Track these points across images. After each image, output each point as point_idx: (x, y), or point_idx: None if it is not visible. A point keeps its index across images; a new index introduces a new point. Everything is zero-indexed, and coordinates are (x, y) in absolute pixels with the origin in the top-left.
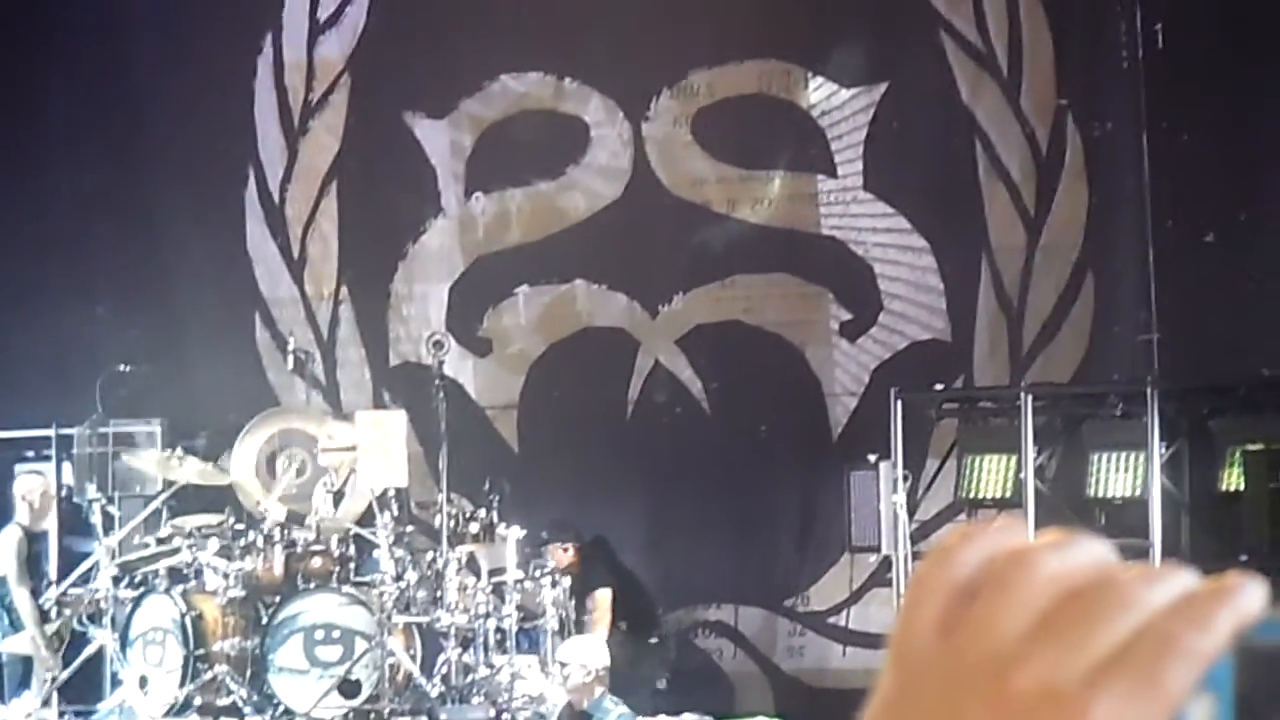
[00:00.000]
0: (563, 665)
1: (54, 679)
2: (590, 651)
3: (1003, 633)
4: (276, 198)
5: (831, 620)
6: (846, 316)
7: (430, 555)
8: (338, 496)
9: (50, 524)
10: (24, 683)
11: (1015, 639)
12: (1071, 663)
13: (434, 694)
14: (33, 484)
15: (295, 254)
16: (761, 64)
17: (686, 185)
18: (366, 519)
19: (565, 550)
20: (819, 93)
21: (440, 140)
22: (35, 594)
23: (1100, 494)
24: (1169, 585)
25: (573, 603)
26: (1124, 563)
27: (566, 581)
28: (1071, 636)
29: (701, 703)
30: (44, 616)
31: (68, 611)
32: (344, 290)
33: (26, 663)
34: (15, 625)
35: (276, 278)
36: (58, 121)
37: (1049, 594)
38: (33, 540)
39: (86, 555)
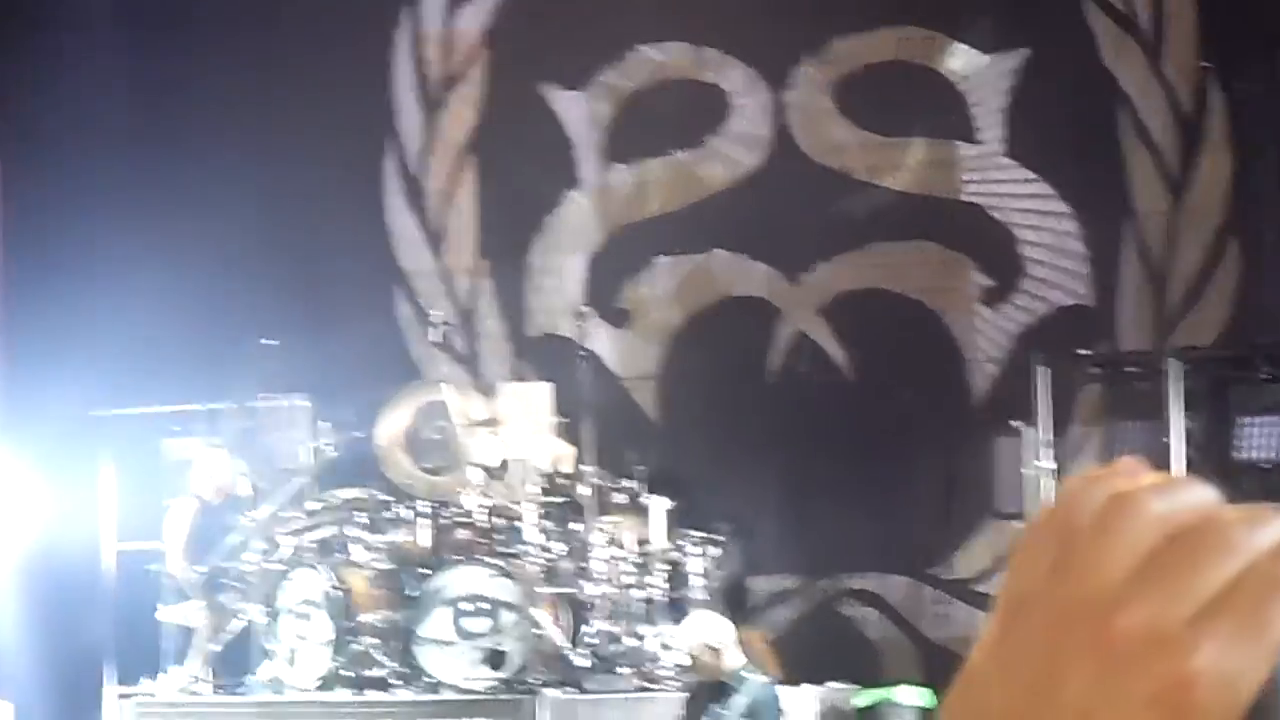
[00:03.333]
0: (696, 638)
1: (209, 652)
2: (712, 629)
3: (1107, 575)
4: (415, 171)
5: (977, 587)
6: (988, 283)
7: (576, 526)
8: (482, 469)
9: (223, 499)
10: (182, 657)
11: (1119, 582)
12: (1175, 605)
13: (581, 665)
14: (213, 457)
15: (434, 227)
16: (901, 30)
17: (827, 152)
18: (511, 491)
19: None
20: (959, 59)
21: (578, 111)
22: (197, 567)
23: (1248, 457)
24: (1274, 528)
25: (720, 573)
26: (1229, 505)
27: (713, 551)
28: (1176, 579)
29: (848, 671)
30: (206, 589)
31: (224, 586)
32: (483, 263)
33: (185, 634)
34: (177, 596)
35: (416, 251)
36: (202, 96)
37: (1154, 537)
38: (205, 513)
39: (236, 529)
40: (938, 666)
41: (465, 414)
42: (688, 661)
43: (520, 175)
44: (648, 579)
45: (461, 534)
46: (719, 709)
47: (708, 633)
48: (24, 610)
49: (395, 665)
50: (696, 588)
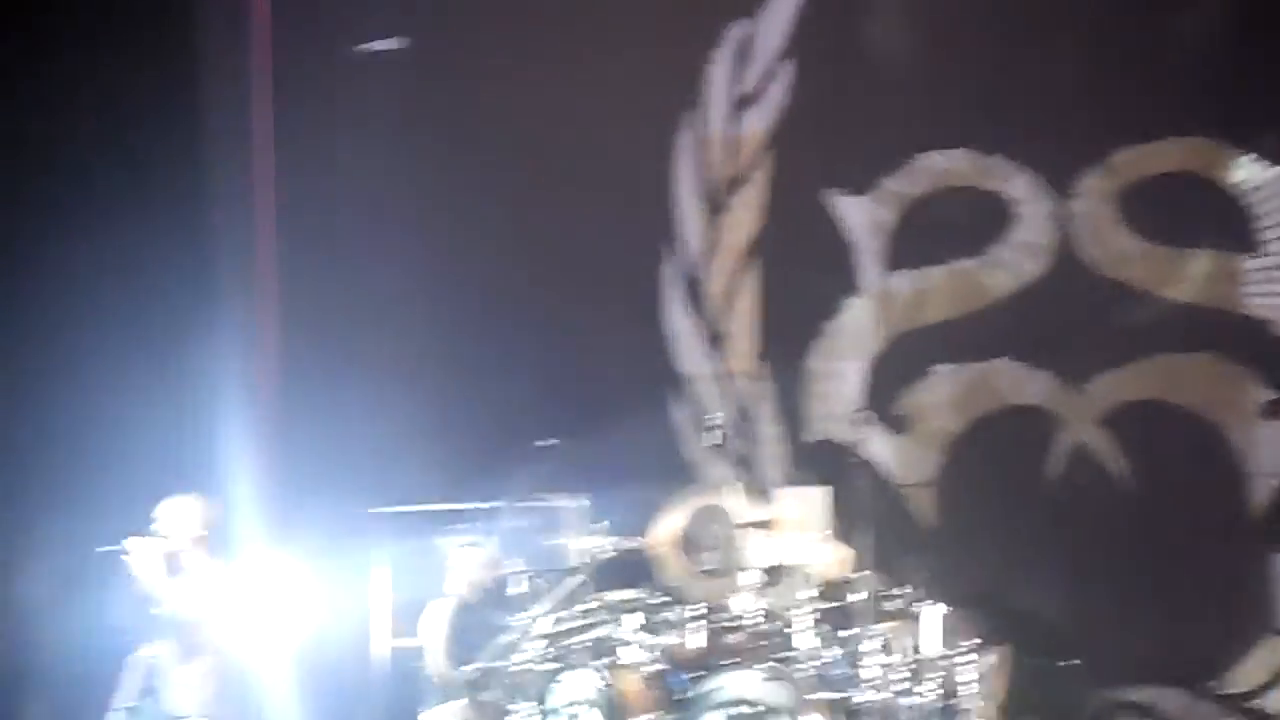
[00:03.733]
0: None
1: None
2: None
3: None
4: (696, 274)
5: (1253, 702)
6: (1270, 395)
7: (849, 632)
8: (757, 572)
9: (484, 597)
10: None
11: None
12: None
13: None
14: (472, 556)
15: (714, 330)
16: (1188, 141)
17: (1110, 262)
18: (785, 596)
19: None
20: (1246, 169)
21: (860, 217)
22: (461, 666)
23: None
24: None
25: (995, 681)
26: None
27: (989, 659)
28: None
29: None
30: (471, 688)
31: (493, 685)
32: (762, 367)
33: None
34: (439, 696)
35: (695, 354)
36: (486, 195)
37: None
38: (464, 612)
39: (508, 629)
40: None
41: (742, 517)
42: None
43: (801, 280)
44: (919, 687)
45: (734, 638)
46: None
47: None
48: (295, 706)
49: None
50: (968, 696)
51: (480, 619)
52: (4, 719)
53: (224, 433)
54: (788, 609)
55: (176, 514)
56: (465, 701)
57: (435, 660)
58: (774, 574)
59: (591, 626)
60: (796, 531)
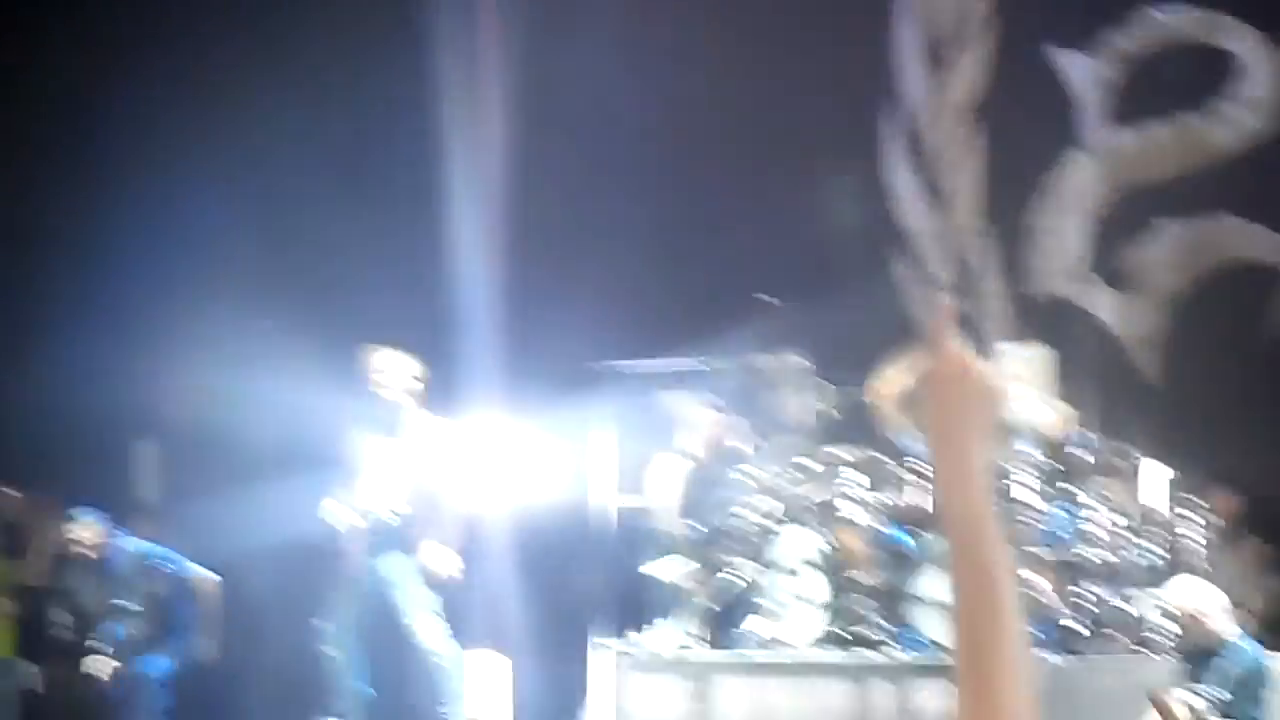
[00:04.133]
0: (1178, 604)
1: (701, 608)
2: (1195, 595)
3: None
4: (918, 131)
5: None
6: None
7: (1073, 490)
8: None
9: (708, 455)
10: (671, 612)
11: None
12: None
13: (1075, 629)
14: (704, 415)
15: (936, 187)
16: None
17: None
18: (1007, 452)
19: (1225, 499)
20: None
21: (1083, 73)
22: (688, 523)
23: None
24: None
25: (1217, 538)
26: None
27: (1212, 517)
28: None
29: None
30: (697, 545)
31: (716, 541)
32: (984, 223)
33: (675, 590)
34: (665, 552)
35: (917, 210)
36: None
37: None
38: (694, 470)
39: (731, 486)
40: None
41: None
42: (1187, 625)
43: (1023, 135)
44: (1143, 544)
45: None
46: (1210, 676)
47: (1193, 599)
48: (518, 564)
49: (890, 625)
50: (1192, 554)
51: (704, 476)
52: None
53: (452, 290)
54: (1009, 465)
55: (391, 365)
56: (689, 558)
57: (660, 517)
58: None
59: (814, 485)
60: (1019, 389)
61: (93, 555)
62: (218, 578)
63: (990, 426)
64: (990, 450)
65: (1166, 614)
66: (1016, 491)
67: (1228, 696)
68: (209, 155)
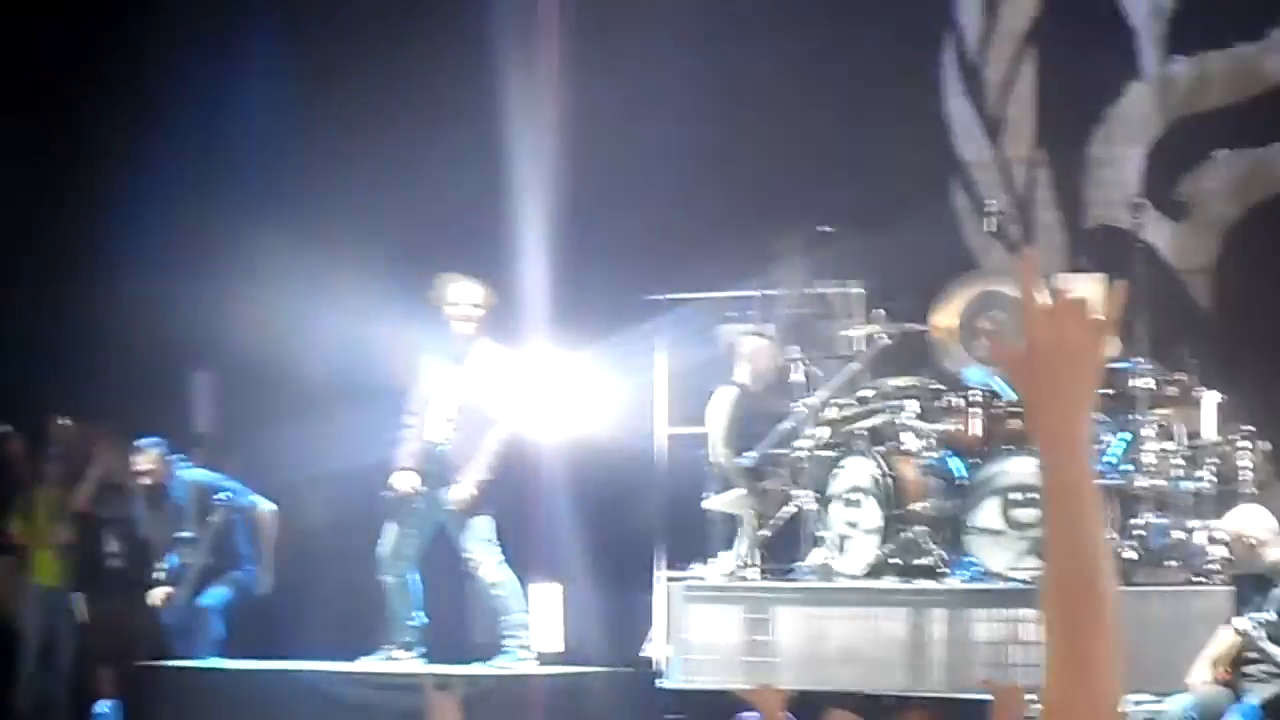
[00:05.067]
0: (1236, 531)
1: (758, 538)
2: (1253, 521)
3: None
4: (974, 60)
5: None
6: None
7: (1127, 418)
8: None
9: (764, 385)
10: (729, 542)
11: None
12: None
13: (1129, 557)
14: (757, 345)
15: (993, 116)
16: None
17: None
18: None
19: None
20: None
21: (1140, 2)
22: (742, 454)
23: None
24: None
25: (1270, 468)
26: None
27: (1265, 446)
28: None
29: None
30: (752, 476)
31: (773, 472)
32: (1041, 153)
33: (732, 520)
34: (721, 483)
35: (974, 140)
36: None
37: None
38: (747, 401)
39: (788, 416)
40: None
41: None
42: (1236, 552)
43: (1080, 65)
44: (1197, 473)
45: (1013, 423)
46: (1262, 602)
47: (1248, 525)
48: (575, 493)
49: (944, 554)
50: (1246, 482)
51: (761, 406)
52: None
53: (510, 218)
54: None
55: (461, 291)
56: (746, 489)
57: (717, 447)
58: None
59: (870, 414)
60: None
61: (153, 484)
62: (275, 507)
63: (1094, 389)
64: (1092, 415)
65: (1220, 541)
66: None
67: (1274, 618)
68: (272, 79)
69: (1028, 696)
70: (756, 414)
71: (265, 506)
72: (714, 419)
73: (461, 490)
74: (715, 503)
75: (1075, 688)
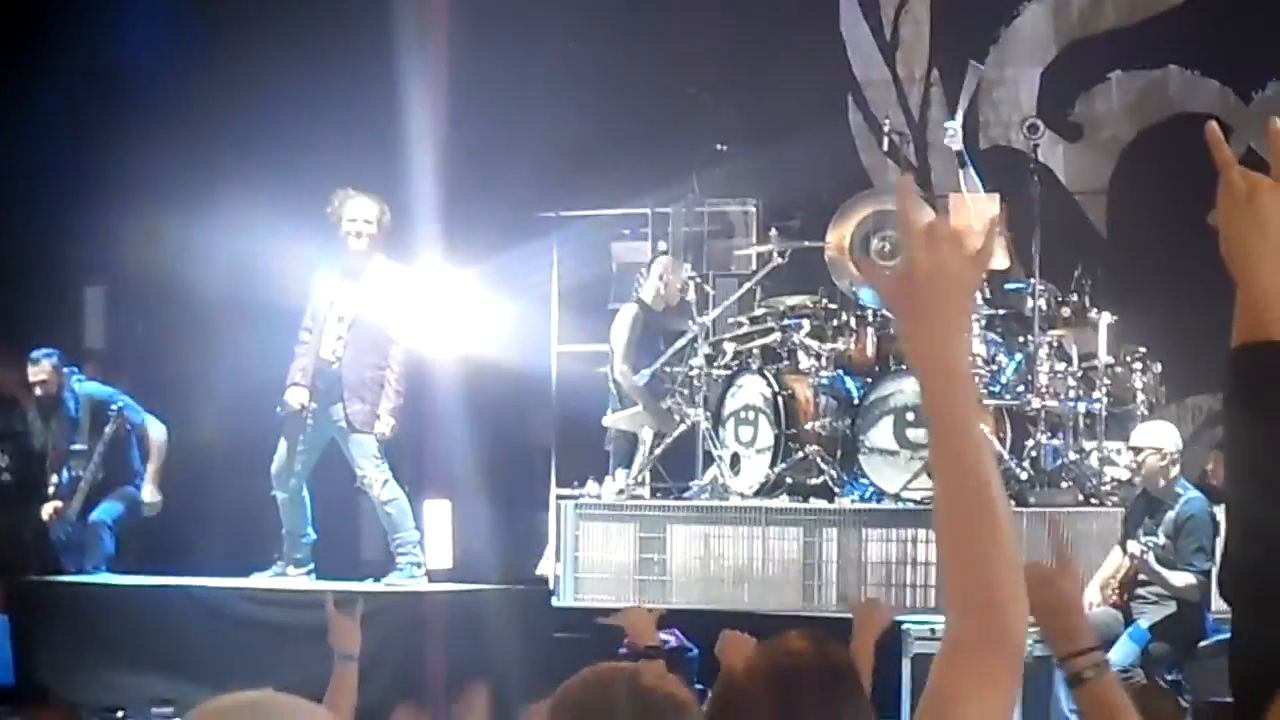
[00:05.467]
0: (1136, 450)
1: (652, 455)
2: (1164, 435)
3: None
4: None
5: None
6: None
7: (1021, 339)
8: None
9: (659, 303)
10: (624, 460)
11: None
12: None
13: (1022, 478)
14: (667, 263)
15: (888, 36)
16: None
17: None
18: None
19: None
20: None
21: None
22: (639, 371)
23: None
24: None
25: (1162, 389)
26: None
27: (1157, 367)
28: None
29: None
30: (650, 394)
31: (670, 390)
32: (935, 73)
33: (627, 438)
34: (620, 401)
35: (869, 60)
36: None
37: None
38: (648, 319)
39: (683, 334)
40: None
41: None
42: (1126, 475)
43: None
44: (1091, 394)
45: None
46: (1152, 524)
47: (1162, 439)
48: (468, 411)
49: (837, 473)
50: (1139, 404)
51: (654, 325)
52: None
53: (403, 134)
54: None
55: (357, 207)
56: (644, 406)
57: (617, 364)
58: None
59: (764, 332)
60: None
61: (46, 396)
62: (164, 427)
63: (969, 313)
64: (971, 335)
65: (1117, 463)
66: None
67: (1163, 541)
68: None
69: (917, 618)
70: (653, 332)
71: (155, 427)
72: (616, 336)
73: (383, 424)
74: (614, 420)
75: (973, 610)
